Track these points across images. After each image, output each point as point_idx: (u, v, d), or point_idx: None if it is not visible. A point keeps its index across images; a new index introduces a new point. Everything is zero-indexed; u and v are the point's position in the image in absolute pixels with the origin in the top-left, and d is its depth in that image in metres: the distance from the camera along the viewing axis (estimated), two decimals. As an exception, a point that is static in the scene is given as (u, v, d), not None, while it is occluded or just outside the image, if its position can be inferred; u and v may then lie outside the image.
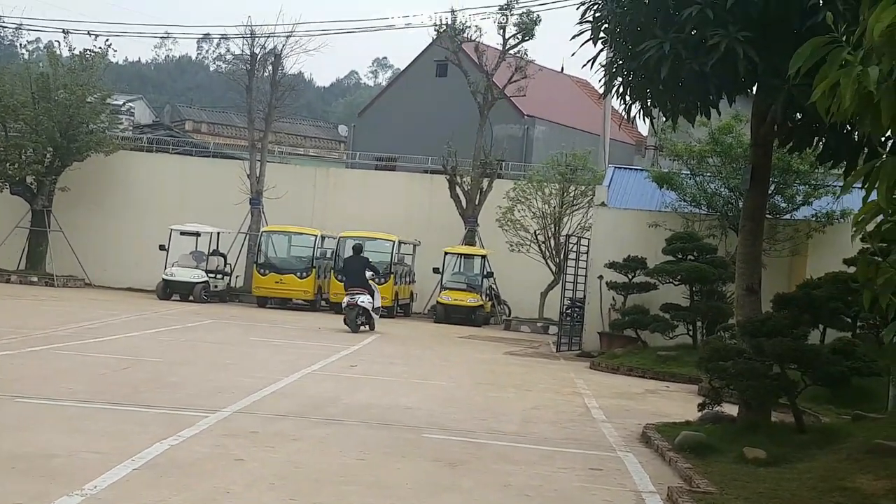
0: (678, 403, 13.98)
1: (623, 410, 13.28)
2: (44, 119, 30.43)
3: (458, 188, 30.42)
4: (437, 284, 29.45)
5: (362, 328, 22.25)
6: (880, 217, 5.57)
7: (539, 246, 28.23)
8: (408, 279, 30.40)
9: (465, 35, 32.14)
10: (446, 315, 28.22)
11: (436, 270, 29.04)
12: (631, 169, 27.75)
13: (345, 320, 22.29)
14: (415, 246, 31.05)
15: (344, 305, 22.48)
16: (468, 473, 8.48)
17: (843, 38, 5.04)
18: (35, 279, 30.21)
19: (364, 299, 22.12)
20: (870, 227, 5.69)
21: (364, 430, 10.11)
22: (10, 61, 41.65)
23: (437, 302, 28.86)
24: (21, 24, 65.38)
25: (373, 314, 22.60)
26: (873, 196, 5.30)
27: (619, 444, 10.52)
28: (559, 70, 49.82)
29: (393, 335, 22.82)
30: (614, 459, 9.69)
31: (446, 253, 29.28)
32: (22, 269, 30.97)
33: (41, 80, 31.34)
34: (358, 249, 23.66)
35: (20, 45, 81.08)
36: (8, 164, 30.63)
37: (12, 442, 8.18)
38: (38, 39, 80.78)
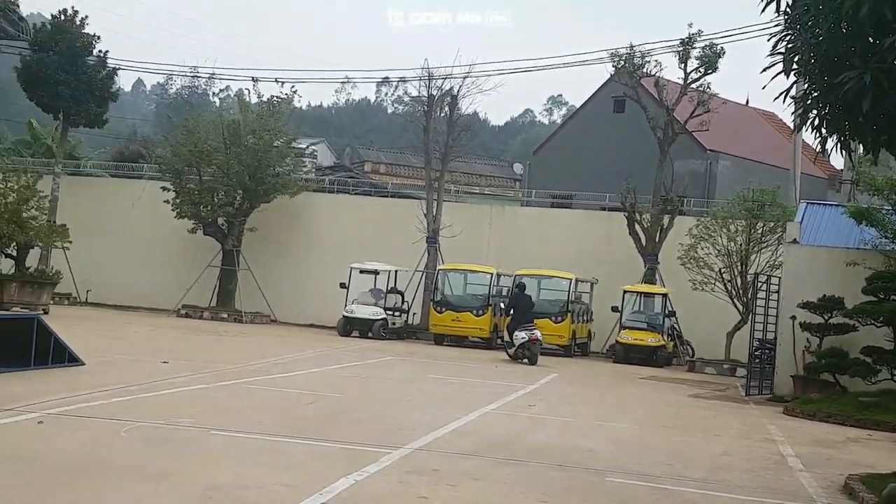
0: (883, 453, 13.12)
1: (822, 459, 12.53)
2: (234, 163, 31.83)
3: (637, 225, 29.88)
4: (615, 323, 28.96)
5: (523, 361, 23.58)
6: None
7: (724, 284, 27.32)
8: (585, 318, 30.01)
9: (644, 70, 31.65)
10: (626, 355, 27.69)
11: (615, 309, 28.57)
12: (825, 204, 26.41)
13: (523, 355, 23.58)
14: (592, 284, 30.69)
15: (524, 340, 23.56)
16: (657, 521, 8.14)
17: None
18: (225, 316, 31.49)
19: (539, 333, 23.71)
20: None
21: (546, 471, 9.90)
22: (204, 109, 43.97)
23: (617, 341, 28.36)
24: (213, 74, 69.10)
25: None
26: None
27: (820, 496, 9.91)
28: (744, 103, 48.60)
29: (571, 375, 22.54)
30: (815, 512, 9.12)
31: (625, 291, 28.74)
32: (213, 306, 32.36)
33: (232, 127, 32.85)
34: (523, 287, 25.22)
35: (212, 93, 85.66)
36: (202, 207, 32.17)
37: (208, 473, 8.42)
38: (227, 87, 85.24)
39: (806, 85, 10.15)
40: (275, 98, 34.30)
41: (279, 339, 25.67)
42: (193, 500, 7.42)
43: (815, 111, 10.12)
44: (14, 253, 26.67)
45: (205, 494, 7.60)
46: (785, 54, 10.12)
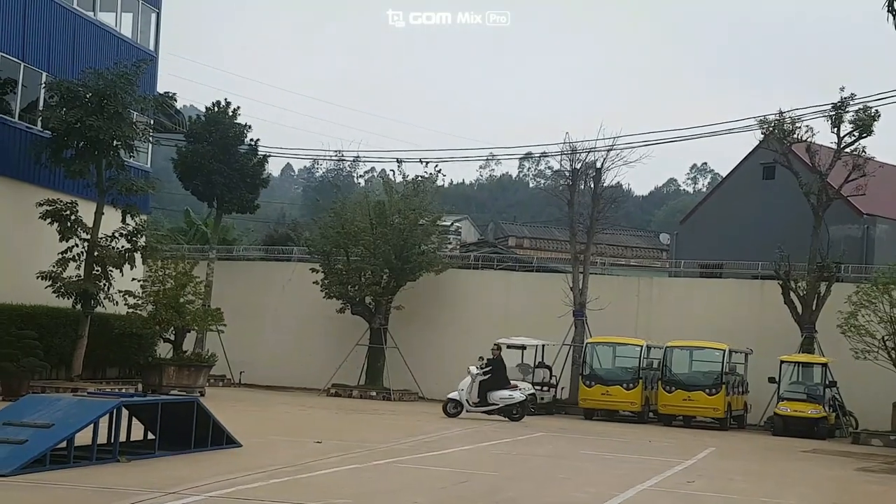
0: None
1: None
2: (380, 243, 32.34)
3: (792, 293, 28.97)
4: (772, 395, 27.96)
5: (506, 419, 24.88)
6: None
7: (888, 352, 26.04)
8: (740, 389, 29.18)
9: (794, 136, 30.92)
10: (785, 427, 26.74)
11: (771, 380, 27.65)
12: None
13: (506, 412, 24.92)
14: (746, 355, 29.80)
15: (522, 399, 25.21)
16: None
17: None
18: (374, 394, 31.78)
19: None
20: None
21: (711, 553, 9.48)
22: (349, 191, 45.11)
23: (775, 413, 27.43)
24: (358, 157, 71.13)
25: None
26: None
27: None
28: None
29: (728, 448, 21.79)
30: None
31: (783, 361, 27.84)
32: (362, 384, 32.71)
33: (378, 208, 33.52)
34: (499, 349, 26.11)
35: (356, 175, 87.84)
36: (349, 287, 32.76)
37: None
38: (372, 169, 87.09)
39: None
40: (419, 177, 34.87)
41: (428, 416, 25.67)
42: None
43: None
44: (172, 337, 27.52)
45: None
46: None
